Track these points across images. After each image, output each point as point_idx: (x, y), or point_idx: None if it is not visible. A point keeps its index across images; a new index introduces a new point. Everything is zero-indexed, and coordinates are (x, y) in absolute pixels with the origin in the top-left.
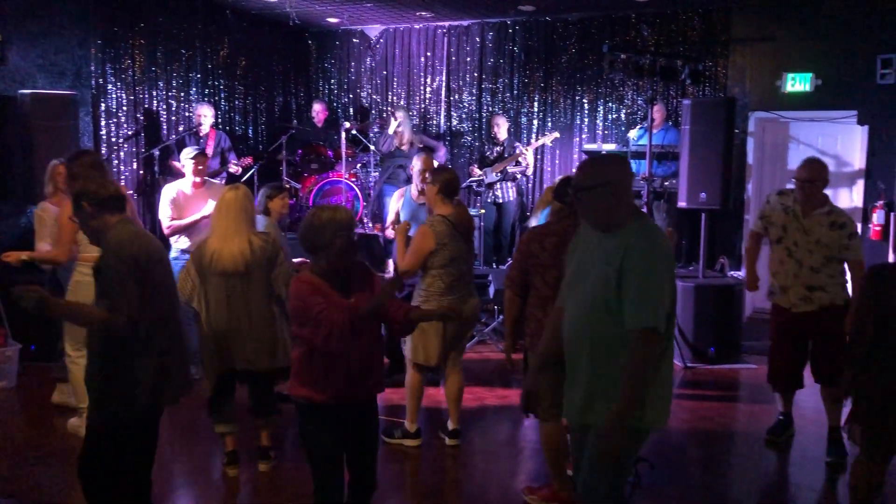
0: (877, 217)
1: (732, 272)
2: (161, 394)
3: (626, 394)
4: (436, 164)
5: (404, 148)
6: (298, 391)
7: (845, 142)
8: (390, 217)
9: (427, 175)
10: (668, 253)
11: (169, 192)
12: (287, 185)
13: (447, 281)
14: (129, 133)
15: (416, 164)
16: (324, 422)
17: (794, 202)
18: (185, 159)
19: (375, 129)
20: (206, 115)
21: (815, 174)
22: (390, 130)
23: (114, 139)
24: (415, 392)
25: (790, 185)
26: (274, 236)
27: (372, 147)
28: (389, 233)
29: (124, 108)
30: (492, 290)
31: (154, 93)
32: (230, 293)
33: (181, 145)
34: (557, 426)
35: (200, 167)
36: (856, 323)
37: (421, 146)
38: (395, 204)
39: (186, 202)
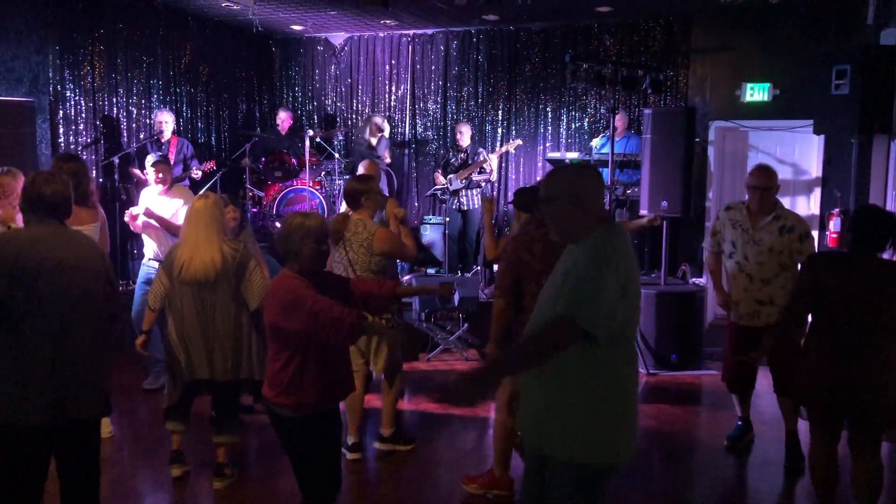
0: (833, 224)
1: (694, 279)
2: (19, 411)
3: (506, 356)
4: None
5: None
6: (285, 399)
7: (802, 151)
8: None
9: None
10: (621, 264)
11: (142, 197)
12: (251, 193)
13: None
14: (88, 140)
15: (360, 170)
16: (317, 429)
17: (745, 214)
18: (147, 167)
19: (340, 137)
20: (167, 122)
21: (770, 181)
22: (374, 141)
23: (72, 147)
24: (353, 407)
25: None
26: (245, 245)
27: (336, 155)
28: None
29: (83, 116)
30: (457, 298)
31: (114, 99)
32: (199, 302)
33: (142, 153)
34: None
35: (160, 174)
36: (791, 301)
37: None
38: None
39: (155, 207)
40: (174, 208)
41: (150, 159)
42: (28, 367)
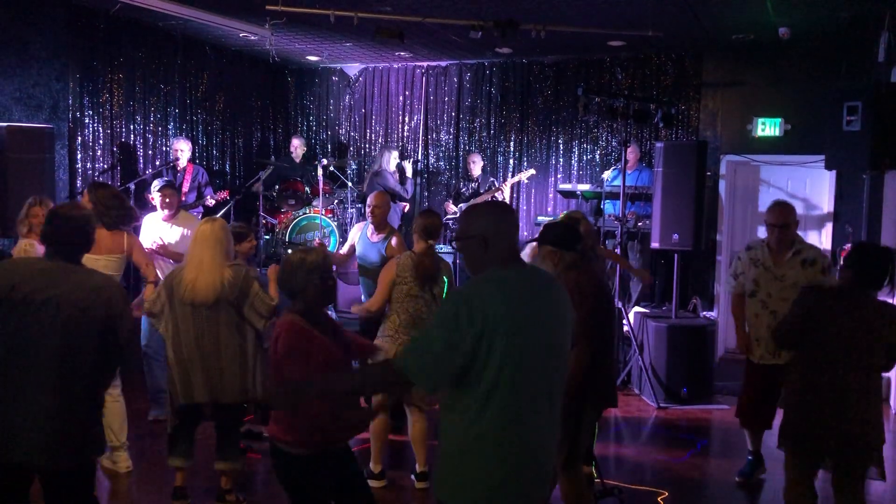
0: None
1: (705, 312)
2: (1, 448)
3: (342, 381)
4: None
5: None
6: (291, 436)
7: (814, 186)
8: (345, 247)
9: (376, 211)
10: (466, 307)
11: (145, 223)
12: (264, 221)
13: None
14: (105, 167)
15: (370, 200)
16: (325, 467)
17: (766, 252)
18: (154, 192)
19: (353, 166)
20: (182, 150)
21: (789, 217)
22: (392, 167)
23: (89, 173)
24: (377, 433)
25: (761, 231)
26: (248, 268)
27: (350, 184)
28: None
29: (101, 142)
30: None
31: (131, 126)
32: (198, 325)
33: (161, 178)
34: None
35: (168, 199)
36: (780, 324)
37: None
38: (354, 234)
39: (159, 234)
40: (177, 235)
41: (156, 184)
42: (11, 403)
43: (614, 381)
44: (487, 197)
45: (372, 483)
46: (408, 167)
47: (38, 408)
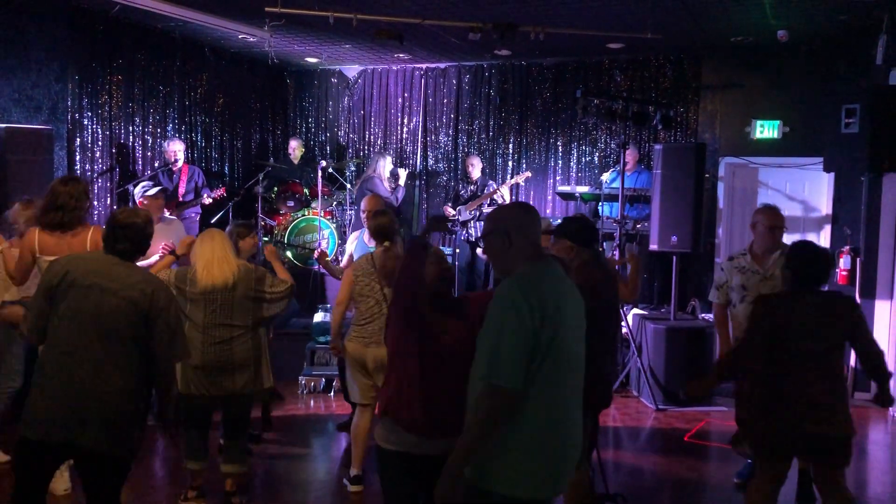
0: (843, 262)
1: (703, 314)
2: (30, 424)
3: (460, 445)
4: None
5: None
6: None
7: (812, 188)
8: (345, 258)
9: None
10: (527, 303)
11: None
12: (262, 222)
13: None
14: (104, 168)
15: (363, 205)
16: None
17: (748, 258)
18: (139, 196)
19: (352, 168)
20: (179, 151)
21: (781, 219)
22: (385, 174)
23: (88, 174)
24: (360, 437)
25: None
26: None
27: (348, 185)
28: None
29: (99, 143)
30: None
31: (130, 128)
32: (211, 317)
33: (155, 181)
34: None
35: (146, 203)
36: (745, 341)
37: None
38: (351, 245)
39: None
40: (165, 238)
41: (139, 190)
42: (47, 381)
43: (610, 383)
44: (485, 199)
45: (352, 488)
46: (402, 174)
47: (97, 393)
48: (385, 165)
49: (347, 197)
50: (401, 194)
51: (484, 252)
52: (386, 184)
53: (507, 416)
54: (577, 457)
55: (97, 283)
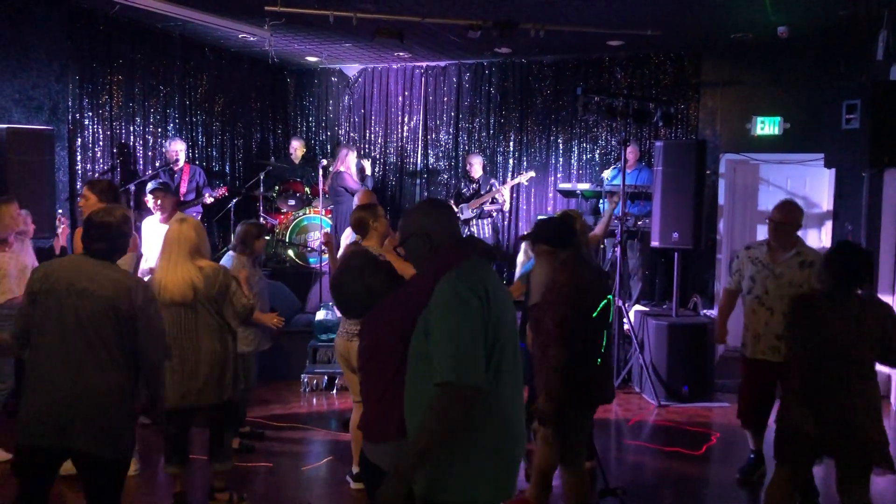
0: None
1: (705, 311)
2: (22, 431)
3: (410, 449)
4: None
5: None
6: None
7: (813, 184)
8: (339, 253)
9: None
10: (475, 296)
11: (144, 227)
12: (264, 221)
13: None
14: (105, 168)
15: (355, 200)
16: None
17: (765, 251)
18: (147, 194)
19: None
20: (180, 151)
21: (789, 217)
22: (352, 168)
23: (89, 174)
24: (359, 436)
25: (760, 229)
26: (224, 268)
27: None
28: None
29: (100, 144)
30: None
31: (131, 128)
32: (177, 326)
33: (156, 180)
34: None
35: (160, 202)
36: (794, 346)
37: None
38: (346, 240)
39: (154, 237)
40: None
41: (149, 186)
42: (33, 386)
43: (601, 382)
44: (487, 198)
45: (354, 485)
46: (367, 166)
47: (82, 395)
48: (351, 159)
49: None
50: (369, 184)
51: (406, 259)
52: (355, 177)
53: (464, 417)
54: (522, 455)
55: (75, 285)
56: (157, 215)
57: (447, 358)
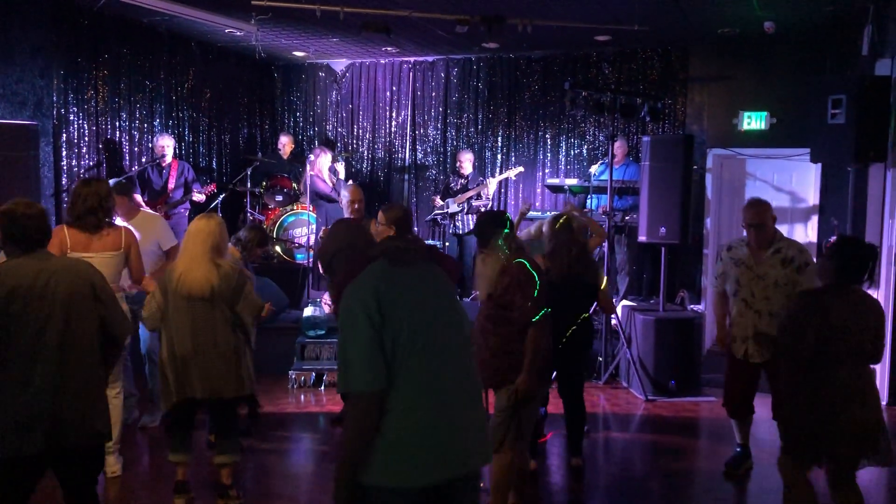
0: None
1: (692, 306)
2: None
3: (339, 459)
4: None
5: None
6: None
7: (800, 179)
8: None
9: (359, 205)
10: (361, 306)
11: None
12: (251, 217)
13: None
14: (91, 164)
15: (345, 194)
16: None
17: (745, 251)
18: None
19: (340, 161)
20: (168, 146)
21: (759, 217)
22: (325, 170)
23: (75, 170)
24: None
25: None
26: (242, 267)
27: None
28: None
29: (86, 139)
30: None
31: (117, 123)
32: (196, 319)
33: (143, 176)
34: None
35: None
36: (791, 347)
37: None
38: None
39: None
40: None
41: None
42: (9, 391)
43: (549, 362)
44: (474, 193)
45: None
46: (340, 169)
47: (59, 389)
48: (324, 162)
49: None
50: (341, 188)
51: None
52: (327, 180)
53: (375, 415)
54: (476, 437)
55: (37, 284)
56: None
57: (341, 370)
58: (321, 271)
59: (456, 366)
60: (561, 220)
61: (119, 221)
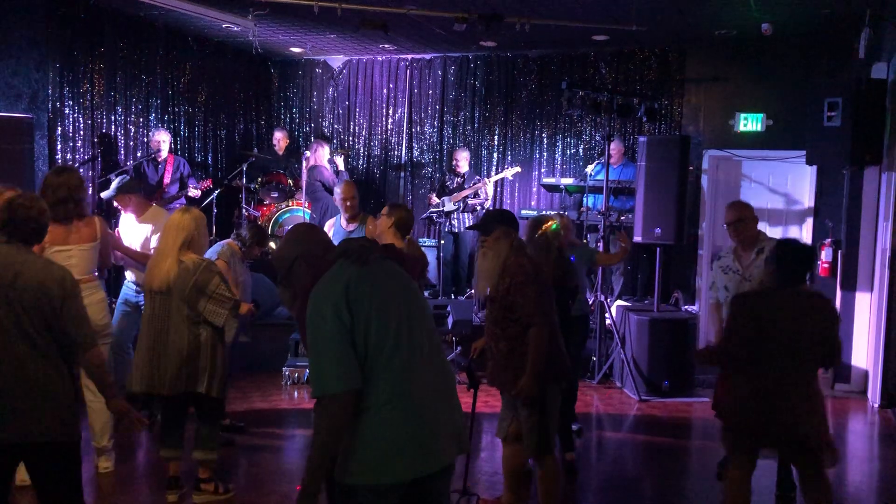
0: (825, 254)
1: (686, 306)
2: None
3: (309, 464)
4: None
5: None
6: None
7: (795, 181)
8: None
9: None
10: (329, 306)
11: (122, 222)
12: (247, 213)
13: None
14: (86, 157)
15: (338, 192)
16: None
17: (732, 257)
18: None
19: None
20: (164, 141)
21: (740, 213)
22: (325, 162)
23: (70, 163)
24: None
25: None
26: (209, 263)
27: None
28: None
29: (81, 133)
30: (450, 321)
31: (112, 117)
32: (154, 312)
33: (138, 171)
34: (518, 448)
35: (120, 204)
36: (726, 341)
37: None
38: (328, 230)
39: (129, 230)
40: (144, 234)
41: (114, 185)
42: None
43: (566, 360)
44: (471, 192)
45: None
46: (339, 162)
47: (18, 382)
48: (323, 154)
49: None
50: (345, 178)
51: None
52: (329, 171)
53: (349, 416)
54: (452, 429)
55: (6, 276)
56: (131, 215)
57: (312, 374)
58: (279, 278)
59: (427, 359)
60: (542, 230)
61: (132, 219)
